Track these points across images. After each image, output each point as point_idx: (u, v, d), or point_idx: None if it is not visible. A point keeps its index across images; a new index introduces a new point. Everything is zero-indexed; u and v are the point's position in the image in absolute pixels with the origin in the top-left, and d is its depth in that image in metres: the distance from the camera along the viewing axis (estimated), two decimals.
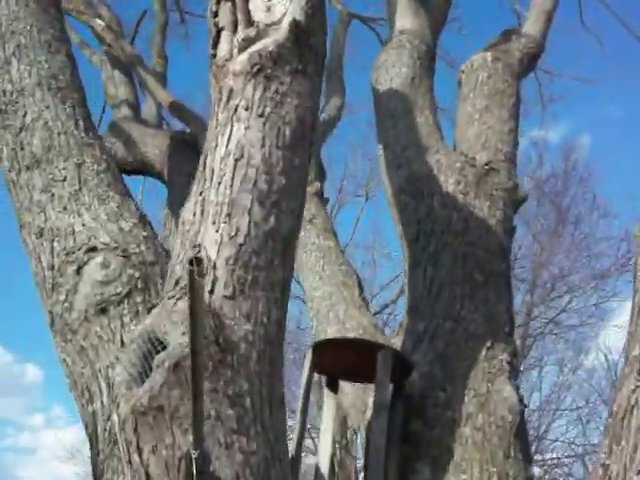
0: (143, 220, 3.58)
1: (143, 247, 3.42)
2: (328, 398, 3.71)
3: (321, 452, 3.58)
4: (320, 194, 6.07)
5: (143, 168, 6.75)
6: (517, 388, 3.78)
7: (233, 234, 2.73)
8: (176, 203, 5.81)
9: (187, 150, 6.49)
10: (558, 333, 13.16)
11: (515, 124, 5.18)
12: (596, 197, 13.48)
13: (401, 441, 3.56)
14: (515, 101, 5.29)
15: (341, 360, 3.58)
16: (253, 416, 2.48)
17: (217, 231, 2.74)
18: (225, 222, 2.75)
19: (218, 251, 2.69)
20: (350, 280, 5.22)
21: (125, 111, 7.26)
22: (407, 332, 4.06)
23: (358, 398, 4.35)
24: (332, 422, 3.64)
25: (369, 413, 3.93)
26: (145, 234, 3.49)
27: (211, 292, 2.60)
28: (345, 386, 4.50)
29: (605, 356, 13.68)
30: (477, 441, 3.48)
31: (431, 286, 4.17)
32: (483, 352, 3.82)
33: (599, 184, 14.15)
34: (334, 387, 3.74)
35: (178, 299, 2.58)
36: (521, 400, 3.71)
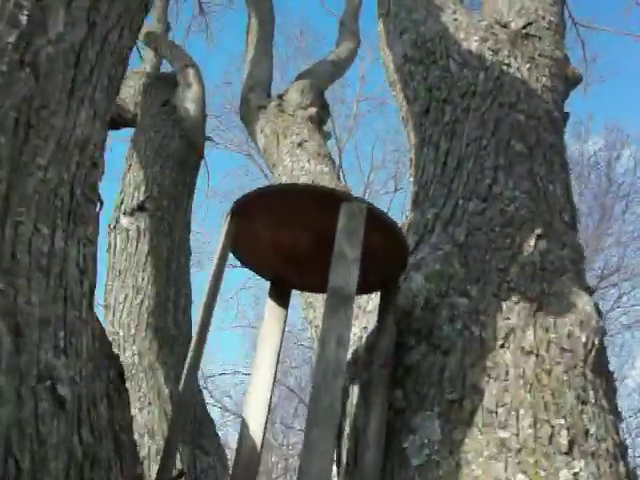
0: None
1: None
2: (270, 314, 2.02)
3: (252, 398, 1.89)
4: (316, 120, 4.44)
5: (116, 112, 5.23)
6: (592, 292, 2.05)
7: None
8: (141, 139, 4.31)
9: (161, 86, 5.00)
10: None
11: (560, 7, 3.50)
12: None
13: (391, 380, 1.85)
14: None
15: (292, 245, 1.90)
16: None
17: None
18: None
19: None
20: None
21: None
22: (410, 227, 2.36)
23: None
24: (274, 353, 1.95)
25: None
26: None
27: None
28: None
29: None
30: (527, 374, 1.74)
31: (446, 162, 2.47)
32: (531, 242, 2.10)
33: None
34: (282, 299, 2.05)
35: None
36: (599, 313, 1.97)
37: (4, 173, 0.95)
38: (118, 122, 5.52)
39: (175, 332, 3.52)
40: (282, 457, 15.46)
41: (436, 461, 1.62)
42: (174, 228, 3.99)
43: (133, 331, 3.44)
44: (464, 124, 2.57)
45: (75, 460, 0.95)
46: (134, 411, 3.10)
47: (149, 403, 3.15)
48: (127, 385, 3.18)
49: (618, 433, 1.77)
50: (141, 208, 3.97)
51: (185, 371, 1.63)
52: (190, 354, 1.64)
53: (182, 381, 1.63)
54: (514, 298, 1.90)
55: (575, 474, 1.57)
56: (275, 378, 1.96)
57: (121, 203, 4.07)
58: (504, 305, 1.89)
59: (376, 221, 1.77)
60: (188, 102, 4.62)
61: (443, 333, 1.86)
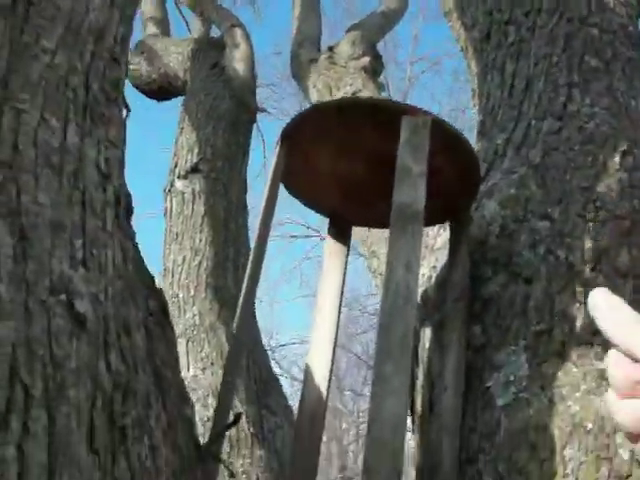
0: None
1: None
2: (330, 252, 1.82)
3: (316, 344, 1.70)
4: (370, 70, 4.20)
5: (166, 80, 5.11)
6: None
7: None
8: (191, 103, 4.16)
9: (209, 50, 4.83)
10: None
11: None
12: None
13: (468, 315, 1.63)
14: None
15: (351, 173, 1.70)
16: None
17: None
18: None
19: None
20: None
21: (152, 29, 5.62)
22: (479, 156, 2.12)
23: None
24: (336, 294, 1.76)
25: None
26: None
27: None
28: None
29: None
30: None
31: (513, 84, 2.22)
32: (615, 159, 1.84)
33: None
34: (342, 237, 1.85)
35: None
36: None
37: (3, 52, 0.77)
38: (169, 90, 5.39)
39: (235, 291, 3.36)
40: (353, 424, 15.38)
41: (525, 399, 1.41)
42: (229, 189, 3.83)
43: (193, 292, 3.30)
44: (530, 43, 2.31)
45: (102, 389, 0.77)
46: (197, 372, 2.96)
47: (212, 363, 3.01)
48: (189, 346, 3.05)
49: None
50: (195, 170, 3.82)
51: (239, 306, 1.45)
52: (244, 288, 1.46)
53: (236, 317, 1.45)
54: (602, 217, 1.66)
55: None
56: (339, 320, 1.76)
57: (175, 167, 3.94)
58: (591, 226, 1.64)
59: (443, 137, 1.54)
60: (236, 62, 4.44)
61: (524, 260, 1.64)
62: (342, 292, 1.80)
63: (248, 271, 1.52)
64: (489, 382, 1.49)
